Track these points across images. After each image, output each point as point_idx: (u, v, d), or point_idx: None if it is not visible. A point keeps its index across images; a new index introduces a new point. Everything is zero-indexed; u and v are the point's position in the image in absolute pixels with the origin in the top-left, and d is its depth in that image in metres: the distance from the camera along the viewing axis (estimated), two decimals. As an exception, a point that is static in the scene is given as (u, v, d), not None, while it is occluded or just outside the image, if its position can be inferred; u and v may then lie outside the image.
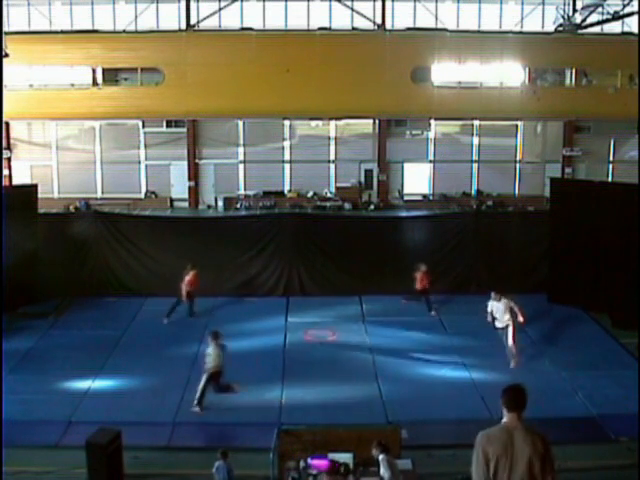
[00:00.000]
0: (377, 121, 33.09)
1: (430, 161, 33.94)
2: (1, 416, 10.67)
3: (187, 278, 18.30)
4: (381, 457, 9.75)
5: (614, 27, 31.89)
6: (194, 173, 33.09)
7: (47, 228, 19.78)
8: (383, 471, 9.69)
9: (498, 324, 15.42)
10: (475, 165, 33.98)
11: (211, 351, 13.50)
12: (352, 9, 32.31)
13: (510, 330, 15.14)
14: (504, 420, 5.92)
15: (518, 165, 34.24)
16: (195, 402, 13.26)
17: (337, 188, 33.47)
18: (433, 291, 19.46)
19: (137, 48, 31.62)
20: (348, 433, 10.76)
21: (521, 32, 32.48)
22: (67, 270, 19.67)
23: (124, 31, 31.77)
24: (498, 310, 15.38)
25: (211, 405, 13.55)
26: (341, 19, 32.57)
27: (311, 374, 14.91)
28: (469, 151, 33.96)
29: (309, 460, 10.10)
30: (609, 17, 29.46)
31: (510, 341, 15.16)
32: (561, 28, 31.73)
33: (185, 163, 33.09)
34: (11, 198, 18.17)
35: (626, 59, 28.73)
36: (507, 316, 15.23)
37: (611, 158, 34.22)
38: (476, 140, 33.96)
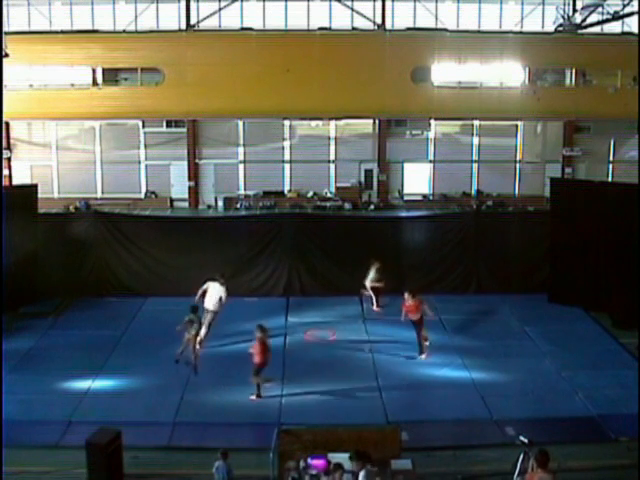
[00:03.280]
0: (377, 121, 33.08)
1: (430, 161, 33.94)
2: (1, 416, 10.68)
3: (408, 303, 16.17)
4: (362, 474, 9.29)
5: (614, 27, 31.90)
6: (194, 173, 33.08)
7: (47, 228, 19.78)
8: None
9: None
10: (475, 165, 33.97)
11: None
12: (352, 9, 32.31)
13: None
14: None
15: (518, 165, 34.23)
16: None
17: (337, 188, 33.45)
18: (433, 291, 19.53)
19: (137, 48, 31.62)
20: (348, 433, 10.76)
21: (521, 32, 32.48)
22: (67, 270, 19.69)
23: (124, 31, 31.76)
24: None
25: (211, 405, 13.57)
26: (341, 19, 32.55)
27: (311, 374, 14.92)
28: (469, 151, 33.94)
29: (309, 460, 10.09)
30: (609, 17, 29.47)
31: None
32: (561, 28, 31.74)
33: (185, 163, 33.07)
34: (11, 198, 18.17)
35: (626, 59, 28.72)
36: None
37: (611, 158, 34.21)
38: (476, 140, 33.95)
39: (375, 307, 19.00)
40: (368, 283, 19.00)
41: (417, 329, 16.04)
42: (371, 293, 19.02)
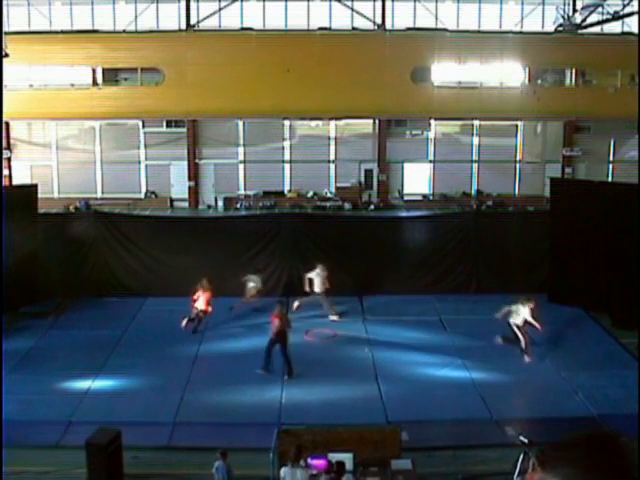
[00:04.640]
0: (377, 121, 33.07)
1: (430, 161, 33.93)
2: (1, 416, 10.68)
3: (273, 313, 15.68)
4: (284, 469, 9.79)
5: (614, 27, 31.89)
6: (194, 173, 33.08)
7: (47, 228, 19.78)
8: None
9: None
10: (475, 165, 33.96)
11: None
12: (352, 9, 32.30)
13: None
14: None
15: (518, 165, 34.23)
16: None
17: (337, 188, 33.44)
18: (434, 291, 19.51)
19: (137, 48, 31.62)
20: (348, 433, 10.78)
21: (521, 32, 32.47)
22: (67, 270, 19.68)
23: (124, 31, 31.76)
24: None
25: (211, 405, 13.57)
26: (341, 19, 32.55)
27: (311, 374, 14.91)
28: (469, 151, 33.94)
29: (309, 460, 10.10)
30: (609, 17, 29.46)
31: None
32: (561, 28, 31.72)
33: (185, 163, 33.07)
34: (11, 198, 18.18)
35: (626, 59, 28.72)
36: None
37: (611, 158, 34.21)
38: (476, 140, 33.94)
39: (528, 357, 15.69)
40: (518, 322, 15.71)
41: (281, 346, 14.85)
42: (520, 335, 15.65)
